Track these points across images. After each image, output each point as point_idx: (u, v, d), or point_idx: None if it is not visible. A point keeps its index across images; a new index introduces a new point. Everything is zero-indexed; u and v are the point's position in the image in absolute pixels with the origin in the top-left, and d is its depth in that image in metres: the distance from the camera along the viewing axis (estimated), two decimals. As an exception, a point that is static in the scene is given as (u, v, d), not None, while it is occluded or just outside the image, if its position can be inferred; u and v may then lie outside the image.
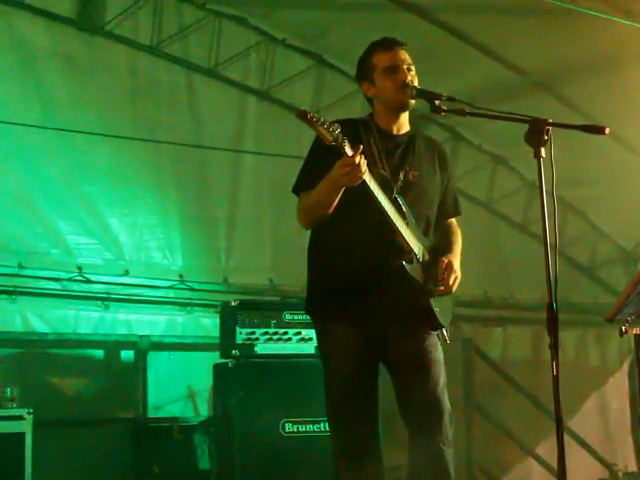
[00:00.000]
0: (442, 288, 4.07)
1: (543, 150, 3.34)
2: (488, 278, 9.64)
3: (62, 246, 7.12)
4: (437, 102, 3.77)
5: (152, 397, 7.21)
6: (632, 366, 9.86)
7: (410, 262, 3.96)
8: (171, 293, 7.68)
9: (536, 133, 3.34)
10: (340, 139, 3.57)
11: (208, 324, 7.58)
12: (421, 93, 3.96)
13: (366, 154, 3.71)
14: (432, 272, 4.08)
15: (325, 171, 3.80)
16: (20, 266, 6.85)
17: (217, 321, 6.63)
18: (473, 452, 8.50)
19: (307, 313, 4.22)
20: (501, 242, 9.89)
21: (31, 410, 5.62)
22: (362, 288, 3.97)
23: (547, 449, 8.57)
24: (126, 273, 7.39)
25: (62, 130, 7.02)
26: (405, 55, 4.11)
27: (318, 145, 3.73)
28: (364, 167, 3.66)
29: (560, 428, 3.14)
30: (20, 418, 5.56)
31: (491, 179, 9.82)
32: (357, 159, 3.62)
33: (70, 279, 7.11)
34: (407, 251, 3.96)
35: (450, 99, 3.74)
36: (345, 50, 8.25)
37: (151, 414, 7.17)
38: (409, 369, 4.05)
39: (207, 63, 7.92)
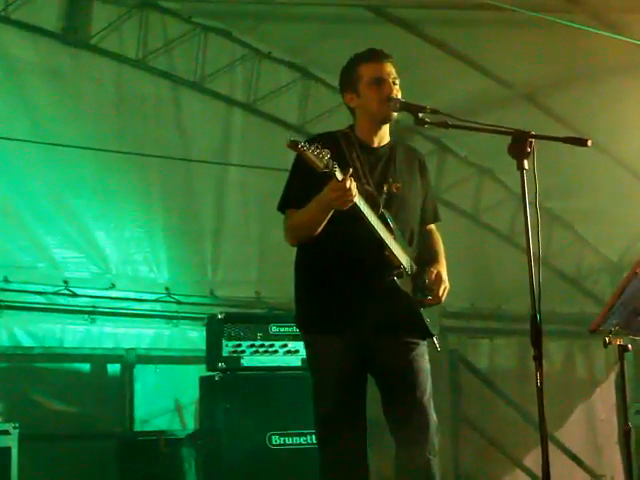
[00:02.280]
0: (431, 298, 4.10)
1: (526, 162, 3.35)
2: (475, 289, 9.65)
3: (48, 260, 7.10)
4: (421, 115, 3.79)
5: (139, 411, 7.19)
6: (618, 377, 9.88)
7: (400, 277, 4.01)
8: (157, 306, 7.67)
9: (519, 145, 3.36)
10: (331, 165, 3.60)
11: (195, 337, 7.56)
12: (405, 106, 3.99)
13: (343, 168, 3.72)
14: (420, 282, 4.12)
15: (310, 188, 3.85)
16: (6, 280, 6.82)
17: (204, 334, 6.62)
18: (460, 463, 8.51)
19: (297, 327, 4.25)
20: (488, 253, 9.91)
21: (17, 425, 5.59)
22: (350, 302, 4.00)
23: (534, 460, 8.56)
24: (112, 286, 7.38)
25: (48, 144, 7.00)
26: (391, 68, 4.14)
27: (302, 161, 3.72)
28: (355, 190, 3.70)
29: (545, 440, 3.15)
30: (6, 433, 5.52)
31: (477, 190, 9.84)
32: (348, 183, 3.66)
33: (56, 293, 7.09)
34: (396, 266, 4.00)
35: (434, 111, 3.76)
36: (330, 63, 8.23)
37: (138, 428, 7.15)
38: (396, 379, 4.08)
39: (193, 76, 7.92)
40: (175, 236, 7.76)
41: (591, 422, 10.48)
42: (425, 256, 4.25)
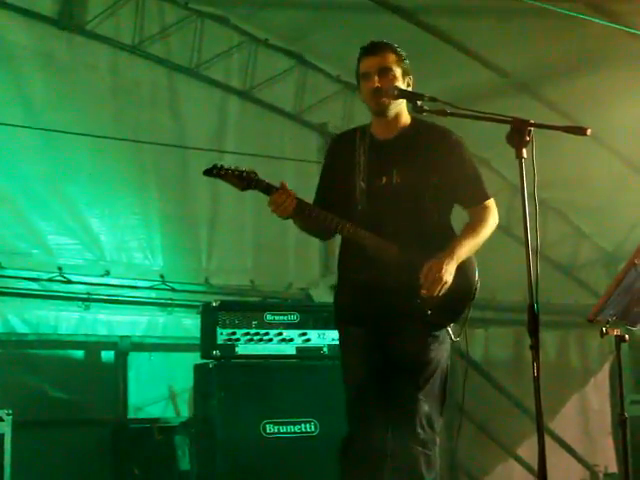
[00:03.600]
0: (425, 292, 4.08)
1: (525, 151, 3.34)
2: (470, 279, 9.64)
3: (43, 246, 7.07)
4: (419, 102, 3.78)
5: (133, 398, 7.17)
6: (613, 367, 9.90)
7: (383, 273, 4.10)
8: (152, 294, 7.64)
9: (518, 134, 3.35)
10: (253, 184, 3.91)
11: (189, 325, 7.54)
12: (403, 93, 3.99)
13: (353, 166, 4.09)
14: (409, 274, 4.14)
15: (322, 185, 4.34)
16: (0, 266, 6.79)
17: (198, 322, 6.61)
18: (455, 452, 8.51)
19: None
20: (483, 244, 9.88)
21: (10, 411, 5.58)
22: (364, 296, 4.17)
23: (528, 450, 8.60)
24: (107, 274, 7.35)
25: (43, 130, 6.97)
26: (379, 60, 4.19)
27: (324, 159, 4.31)
28: (287, 202, 3.94)
29: (541, 429, 3.14)
30: (-1, 419, 5.52)
31: (472, 180, 9.81)
32: (275, 197, 3.93)
33: (50, 279, 7.05)
34: (376, 260, 4.10)
35: (432, 99, 3.75)
36: (327, 50, 8.26)
37: (131, 415, 7.14)
38: (392, 372, 4.14)
39: (189, 63, 7.89)
40: (170, 223, 7.74)
41: (585, 412, 10.49)
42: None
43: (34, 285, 7.01)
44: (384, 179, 4.17)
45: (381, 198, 4.15)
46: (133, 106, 7.64)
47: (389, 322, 4.14)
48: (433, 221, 4.26)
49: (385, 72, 4.15)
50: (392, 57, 4.20)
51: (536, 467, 3.24)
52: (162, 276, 7.63)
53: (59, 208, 7.17)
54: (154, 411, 7.25)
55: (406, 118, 4.28)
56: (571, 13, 6.63)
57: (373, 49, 4.22)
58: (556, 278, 9.99)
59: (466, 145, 4.40)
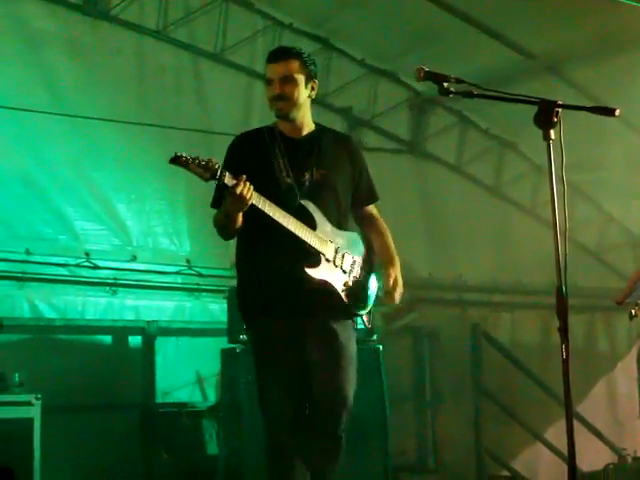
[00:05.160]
0: (387, 300, 4.42)
1: (552, 132, 3.31)
2: (496, 263, 9.64)
3: (70, 232, 7.11)
4: (445, 84, 3.75)
5: (160, 383, 7.20)
6: (641, 350, 9.86)
7: (316, 264, 4.21)
8: (179, 279, 7.66)
9: (545, 115, 3.32)
10: (218, 174, 3.91)
11: (216, 309, 7.57)
12: (429, 75, 3.95)
13: (271, 164, 4.22)
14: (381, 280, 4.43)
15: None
16: (28, 252, 6.82)
17: (225, 306, 6.63)
18: (482, 436, 8.51)
19: (240, 311, 4.49)
20: (509, 227, 9.87)
21: (39, 396, 5.61)
22: (281, 289, 4.25)
23: (555, 434, 8.57)
24: (134, 259, 7.38)
25: (69, 116, 7.00)
26: (283, 67, 4.36)
27: (227, 158, 4.33)
28: (248, 194, 3.97)
29: (570, 412, 3.13)
30: (28, 404, 5.55)
31: (499, 163, 9.80)
32: (239, 189, 3.94)
33: (78, 265, 7.09)
34: (314, 254, 4.21)
35: (459, 81, 3.71)
36: (352, 34, 8.23)
37: (159, 400, 7.17)
38: (316, 367, 4.29)
39: (213, 48, 7.89)
40: (196, 208, 7.71)
41: (613, 396, 10.46)
42: (378, 250, 4.54)
43: (62, 270, 7.04)
44: (306, 175, 4.34)
45: (307, 193, 4.29)
46: (158, 91, 7.65)
47: (309, 317, 4.29)
48: (345, 215, 4.49)
49: (287, 79, 4.32)
50: (295, 64, 4.37)
51: (564, 451, 3.22)
52: (188, 261, 7.65)
53: (86, 194, 7.20)
54: (181, 396, 7.28)
55: (310, 121, 4.47)
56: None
57: (277, 56, 4.40)
58: (583, 261, 9.93)
59: None
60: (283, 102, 4.31)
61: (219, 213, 4.26)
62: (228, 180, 3.93)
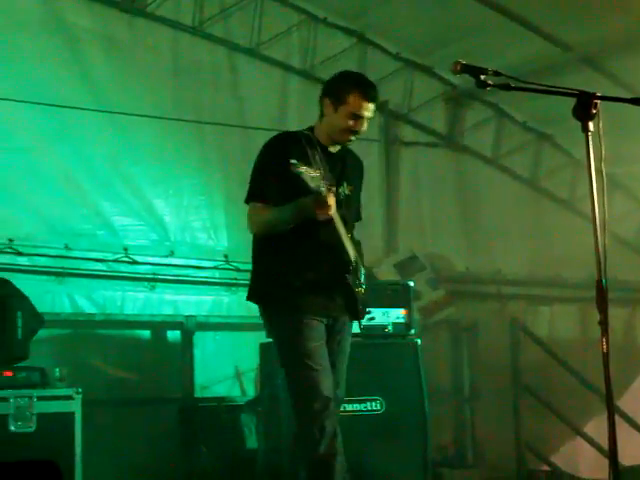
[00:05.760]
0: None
1: (591, 124, 3.30)
2: (534, 256, 9.59)
3: (108, 227, 7.15)
4: (483, 77, 3.73)
5: (199, 377, 7.24)
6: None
7: (350, 272, 4.56)
8: (216, 273, 7.69)
9: (584, 107, 3.30)
10: (321, 185, 4.09)
11: (254, 304, 7.57)
12: (467, 68, 3.93)
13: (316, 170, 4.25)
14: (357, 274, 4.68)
15: (278, 184, 4.38)
16: (67, 247, 6.88)
17: (262, 301, 6.63)
18: (521, 431, 8.47)
19: (269, 305, 4.86)
20: (546, 220, 9.81)
21: (80, 390, 5.64)
22: (317, 289, 4.54)
23: (596, 428, 8.51)
24: (171, 254, 7.41)
25: (106, 112, 7.04)
26: (372, 108, 4.59)
27: (271, 155, 4.41)
28: (334, 207, 4.23)
29: (611, 406, 3.11)
30: (69, 398, 5.59)
31: (536, 156, 9.75)
32: (331, 201, 4.18)
33: (116, 260, 7.13)
34: (347, 261, 4.52)
35: (496, 74, 3.69)
36: (387, 28, 8.22)
37: (198, 394, 7.21)
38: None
39: (249, 43, 7.91)
40: (233, 203, 7.70)
41: (653, 391, 10.36)
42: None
43: (100, 266, 7.09)
44: (340, 188, 4.60)
45: (341, 204, 4.51)
46: (194, 86, 7.67)
47: (337, 316, 4.68)
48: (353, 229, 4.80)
49: (367, 120, 4.61)
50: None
51: (604, 445, 3.21)
52: (226, 256, 7.67)
53: (123, 189, 7.24)
54: (220, 390, 7.31)
55: None
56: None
57: (373, 97, 4.60)
58: (622, 254, 9.85)
59: None
60: (355, 136, 4.58)
61: (279, 212, 4.44)
62: (324, 189, 4.13)
